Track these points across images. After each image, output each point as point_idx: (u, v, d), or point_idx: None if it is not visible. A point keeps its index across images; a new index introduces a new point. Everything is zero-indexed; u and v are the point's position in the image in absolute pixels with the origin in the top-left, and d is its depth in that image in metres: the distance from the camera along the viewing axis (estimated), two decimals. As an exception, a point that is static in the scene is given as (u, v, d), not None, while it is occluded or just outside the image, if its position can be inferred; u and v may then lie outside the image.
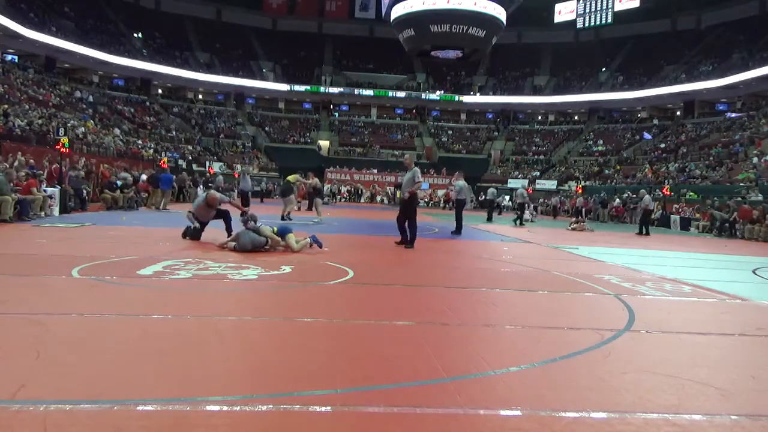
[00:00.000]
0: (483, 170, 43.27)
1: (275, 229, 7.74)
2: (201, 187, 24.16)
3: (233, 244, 7.44)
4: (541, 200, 33.63)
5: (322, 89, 49.82)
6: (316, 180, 15.53)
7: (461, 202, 13.33)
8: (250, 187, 15.57)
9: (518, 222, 18.16)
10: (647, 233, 15.86)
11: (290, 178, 14.72)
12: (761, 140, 30.50)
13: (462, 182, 13.50)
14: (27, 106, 26.31)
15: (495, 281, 6.15)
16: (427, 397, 2.47)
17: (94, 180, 16.58)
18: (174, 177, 19.77)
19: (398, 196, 40.47)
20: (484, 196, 27.57)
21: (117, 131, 32.54)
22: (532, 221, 21.75)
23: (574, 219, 19.81)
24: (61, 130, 15.47)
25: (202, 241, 8.32)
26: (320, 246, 7.86)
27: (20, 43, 35.04)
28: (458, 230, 12.69)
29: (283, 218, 13.39)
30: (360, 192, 38.76)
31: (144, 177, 19.44)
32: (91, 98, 36.90)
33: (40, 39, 35.26)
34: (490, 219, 19.50)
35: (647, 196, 16.66)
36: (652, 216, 23.73)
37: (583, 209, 27.67)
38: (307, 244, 7.77)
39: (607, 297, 5.31)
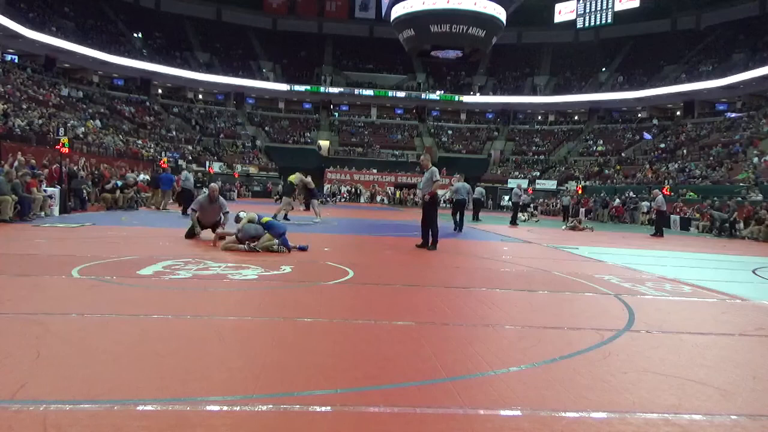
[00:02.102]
0: (483, 170, 43.27)
1: (266, 218, 7.73)
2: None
3: (231, 238, 7.48)
4: (541, 200, 33.66)
5: (322, 89, 49.81)
6: (306, 179, 15.41)
7: (459, 201, 13.93)
8: (191, 185, 15.67)
9: (513, 221, 18.42)
10: (660, 234, 15.61)
11: (291, 178, 14.70)
12: (759, 140, 30.51)
13: (460, 184, 14.31)
14: (27, 106, 26.32)
15: (495, 281, 6.15)
16: (427, 397, 2.47)
17: (103, 181, 16.63)
18: (175, 177, 19.68)
19: (398, 195, 40.41)
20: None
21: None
22: (535, 221, 21.84)
23: (570, 219, 19.81)
24: (61, 130, 15.47)
25: (202, 241, 8.32)
26: (288, 249, 7.51)
27: (20, 43, 35.05)
28: (458, 228, 13.32)
29: (275, 217, 13.41)
30: (360, 192, 38.79)
31: (144, 177, 19.47)
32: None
33: (40, 39, 35.26)
34: (476, 218, 19.52)
35: (660, 196, 16.20)
36: (652, 216, 23.78)
37: (582, 209, 27.67)
38: (274, 245, 7.45)
39: (607, 297, 5.31)
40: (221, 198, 8.92)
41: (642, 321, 4.23)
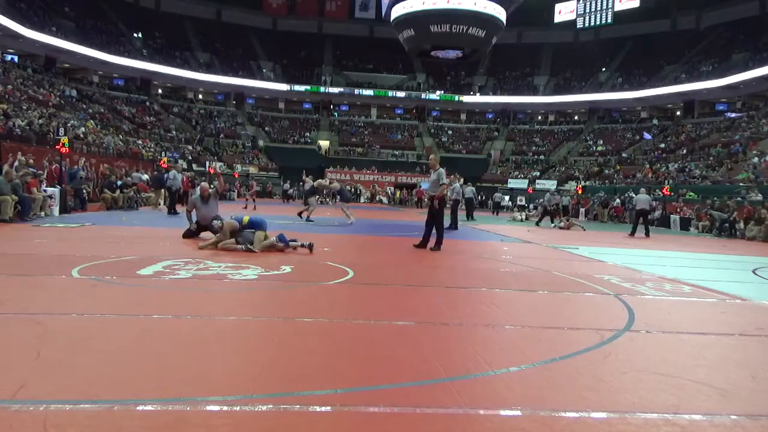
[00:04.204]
0: (483, 170, 43.28)
1: (246, 218, 7.69)
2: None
3: (231, 240, 7.47)
4: (540, 200, 33.67)
5: (322, 89, 49.83)
6: (333, 184, 15.68)
7: (455, 202, 14.78)
8: (179, 186, 15.69)
9: (553, 224, 18.46)
10: (647, 234, 15.19)
11: (315, 183, 15.30)
12: (754, 142, 30.56)
13: (457, 184, 15.13)
14: (27, 106, 26.30)
15: (495, 281, 6.14)
16: (427, 397, 2.47)
17: (101, 181, 16.63)
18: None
19: (397, 195, 40.44)
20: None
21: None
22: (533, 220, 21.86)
23: (560, 218, 19.71)
24: (61, 130, 15.47)
25: (201, 240, 8.29)
26: (287, 244, 7.59)
27: (20, 43, 35.06)
28: (453, 226, 13.92)
29: (300, 216, 14.20)
30: (360, 192, 38.81)
31: (144, 178, 19.44)
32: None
33: (40, 39, 35.28)
34: (471, 218, 19.61)
35: (641, 196, 15.68)
36: (649, 216, 23.69)
37: (582, 209, 27.66)
38: (273, 242, 7.53)
39: (607, 297, 5.30)
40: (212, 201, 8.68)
41: (642, 321, 4.23)
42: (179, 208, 15.20)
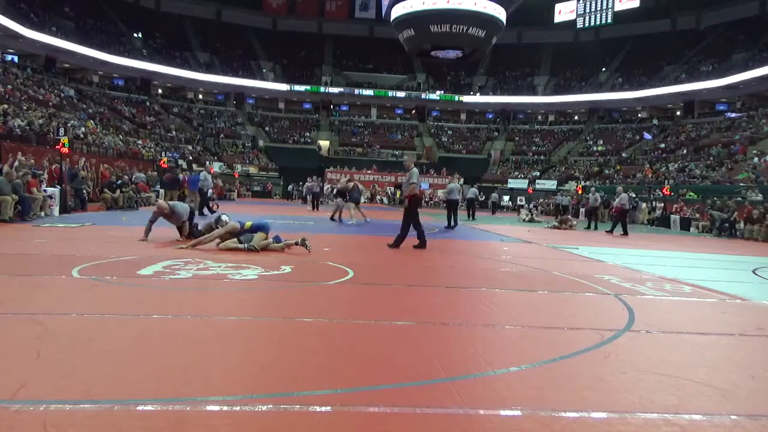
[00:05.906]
0: (483, 170, 43.26)
1: (249, 223, 7.71)
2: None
3: (233, 242, 7.47)
4: (541, 200, 33.70)
5: (322, 89, 49.81)
6: (348, 184, 15.72)
7: (453, 201, 15.01)
8: (209, 186, 15.57)
9: (593, 227, 18.04)
10: (625, 233, 15.17)
11: (338, 185, 15.82)
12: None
13: (454, 184, 15.49)
14: (27, 106, 26.29)
15: (495, 281, 6.14)
16: (427, 397, 2.47)
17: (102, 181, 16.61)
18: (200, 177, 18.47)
19: (398, 195, 40.73)
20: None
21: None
22: (540, 221, 21.93)
23: (560, 218, 19.62)
24: (61, 130, 15.46)
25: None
26: (278, 241, 7.74)
27: (20, 43, 35.05)
28: (451, 226, 14.33)
29: (333, 219, 14.71)
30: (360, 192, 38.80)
31: (143, 177, 19.41)
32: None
33: (40, 39, 35.27)
34: (473, 218, 19.64)
35: (624, 194, 15.61)
36: (651, 216, 23.76)
37: (583, 209, 27.67)
38: (270, 242, 7.64)
39: (607, 297, 5.30)
40: (178, 208, 8.56)
41: (642, 321, 4.23)
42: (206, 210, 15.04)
